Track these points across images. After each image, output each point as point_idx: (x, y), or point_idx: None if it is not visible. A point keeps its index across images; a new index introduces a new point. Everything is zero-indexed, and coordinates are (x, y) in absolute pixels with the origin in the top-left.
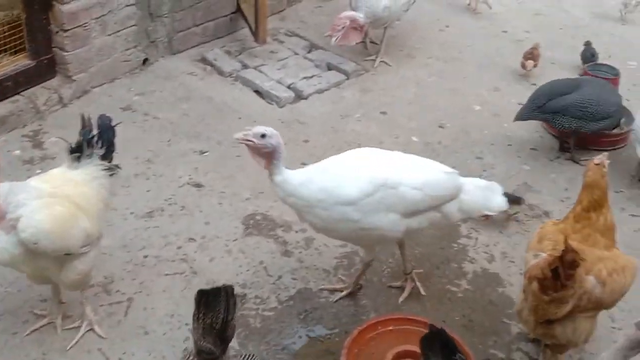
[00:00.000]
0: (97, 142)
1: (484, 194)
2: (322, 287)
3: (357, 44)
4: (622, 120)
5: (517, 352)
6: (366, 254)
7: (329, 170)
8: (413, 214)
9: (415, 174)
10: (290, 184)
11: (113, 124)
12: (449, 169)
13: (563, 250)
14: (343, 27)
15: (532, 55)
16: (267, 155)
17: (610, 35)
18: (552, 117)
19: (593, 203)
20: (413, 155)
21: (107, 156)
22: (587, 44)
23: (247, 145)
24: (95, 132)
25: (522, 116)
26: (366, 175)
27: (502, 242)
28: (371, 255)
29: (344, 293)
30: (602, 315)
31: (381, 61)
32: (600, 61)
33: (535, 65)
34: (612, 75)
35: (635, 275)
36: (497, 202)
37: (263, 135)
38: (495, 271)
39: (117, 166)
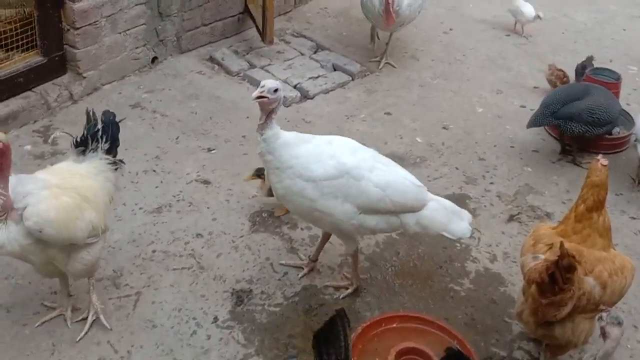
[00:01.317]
0: (101, 136)
1: (448, 216)
2: (327, 284)
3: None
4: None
5: (519, 350)
6: (347, 246)
7: (312, 143)
8: (370, 211)
9: (382, 174)
10: (278, 139)
11: (117, 119)
12: (419, 182)
13: (559, 255)
14: None
15: (562, 71)
16: (272, 109)
17: (611, 40)
18: (564, 123)
19: (597, 203)
20: (393, 162)
21: (111, 150)
22: (589, 58)
23: (262, 102)
24: (99, 126)
25: (536, 122)
26: (335, 159)
27: (504, 242)
28: (352, 247)
29: (349, 290)
30: None
31: (386, 62)
32: (601, 65)
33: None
34: (613, 80)
35: (633, 275)
36: (459, 228)
37: (276, 90)
38: (498, 271)
39: (121, 161)
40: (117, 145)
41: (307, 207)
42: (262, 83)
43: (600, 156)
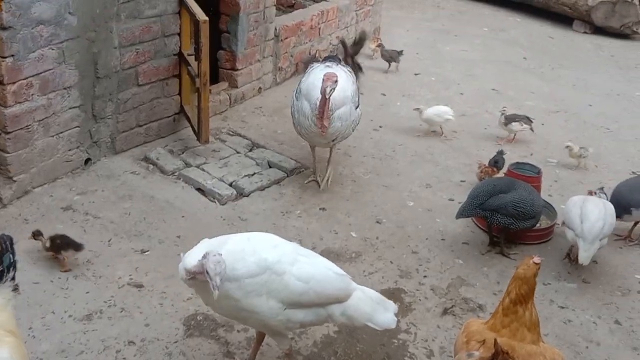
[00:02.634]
0: (13, 263)
1: (373, 306)
2: None
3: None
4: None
5: None
6: (279, 344)
7: (229, 243)
8: (295, 305)
9: (305, 267)
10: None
11: (13, 242)
12: (342, 272)
13: (494, 353)
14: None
15: (491, 168)
16: None
17: (530, 134)
18: (490, 214)
19: (520, 296)
20: (314, 253)
21: (14, 276)
22: (500, 153)
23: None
24: (14, 257)
25: (464, 213)
26: (256, 255)
27: (440, 336)
28: (285, 344)
29: None
30: None
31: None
32: (523, 159)
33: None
34: (534, 174)
35: None
36: (385, 318)
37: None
38: None
39: (17, 286)
40: (15, 270)
41: (233, 308)
42: (212, 282)
43: (536, 256)
